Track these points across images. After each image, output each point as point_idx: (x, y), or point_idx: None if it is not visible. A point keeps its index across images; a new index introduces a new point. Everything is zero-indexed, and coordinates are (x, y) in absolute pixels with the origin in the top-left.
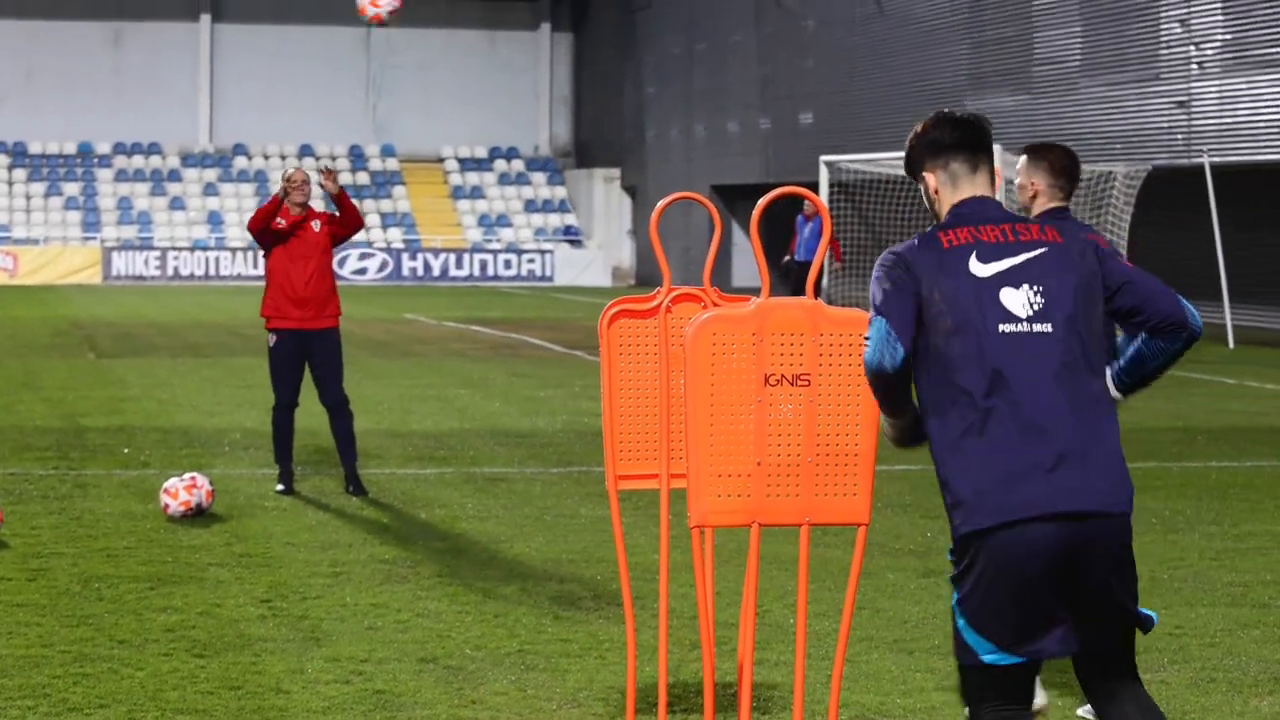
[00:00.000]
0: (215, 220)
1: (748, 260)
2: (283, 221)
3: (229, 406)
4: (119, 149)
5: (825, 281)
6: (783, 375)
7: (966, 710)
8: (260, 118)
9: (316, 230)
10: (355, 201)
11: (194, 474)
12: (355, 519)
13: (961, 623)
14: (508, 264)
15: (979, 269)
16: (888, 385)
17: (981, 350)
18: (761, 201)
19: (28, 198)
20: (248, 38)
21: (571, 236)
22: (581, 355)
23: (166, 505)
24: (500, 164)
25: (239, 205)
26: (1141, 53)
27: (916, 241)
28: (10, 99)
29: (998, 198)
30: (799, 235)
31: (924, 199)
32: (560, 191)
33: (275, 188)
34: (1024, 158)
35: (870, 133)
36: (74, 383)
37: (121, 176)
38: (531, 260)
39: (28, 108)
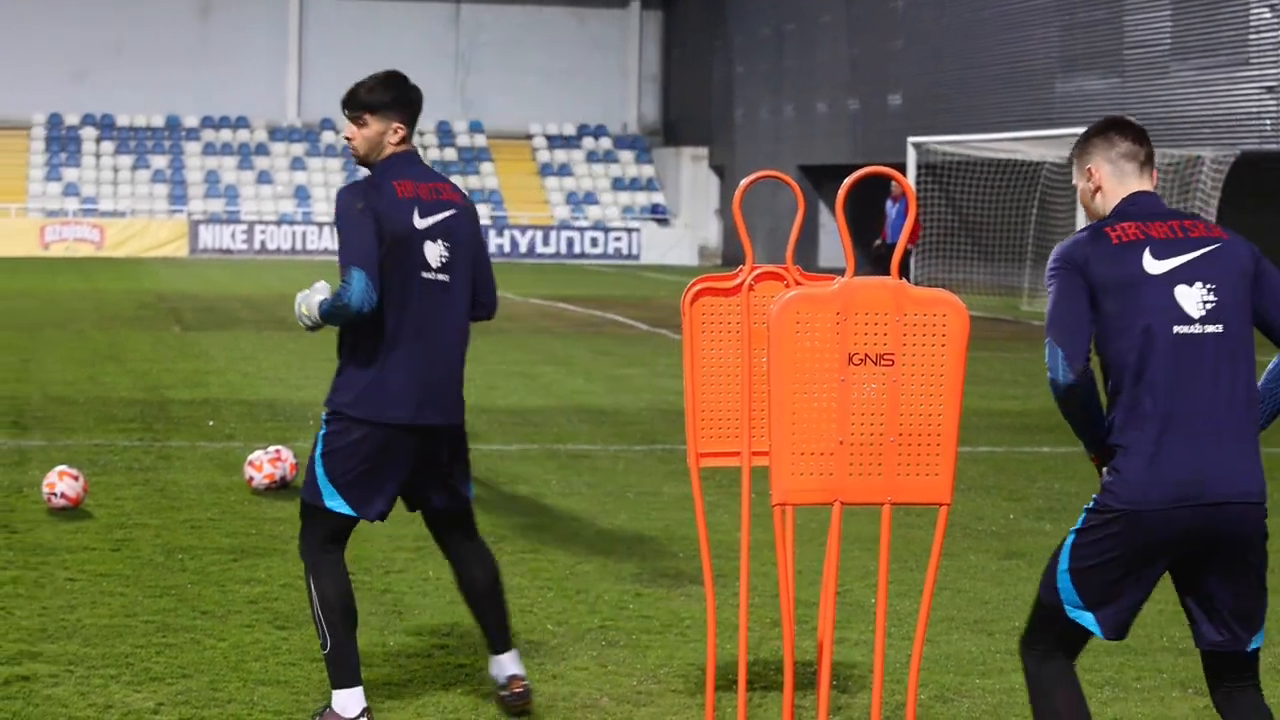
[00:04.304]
0: (302, 195)
1: (834, 241)
2: None
3: (314, 380)
4: (206, 122)
5: (912, 263)
6: (866, 354)
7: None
8: None
9: None
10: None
11: (278, 447)
12: None
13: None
14: (594, 242)
15: None
16: None
17: None
18: (847, 181)
19: (115, 170)
20: (337, 12)
21: (658, 215)
22: (666, 334)
23: (250, 478)
24: (588, 141)
25: (326, 180)
26: (1231, 37)
27: None
28: (98, 71)
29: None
30: (888, 218)
31: None
32: (648, 170)
33: None
34: None
35: (959, 115)
36: (159, 355)
37: (209, 150)
38: (618, 238)
39: (116, 80)
